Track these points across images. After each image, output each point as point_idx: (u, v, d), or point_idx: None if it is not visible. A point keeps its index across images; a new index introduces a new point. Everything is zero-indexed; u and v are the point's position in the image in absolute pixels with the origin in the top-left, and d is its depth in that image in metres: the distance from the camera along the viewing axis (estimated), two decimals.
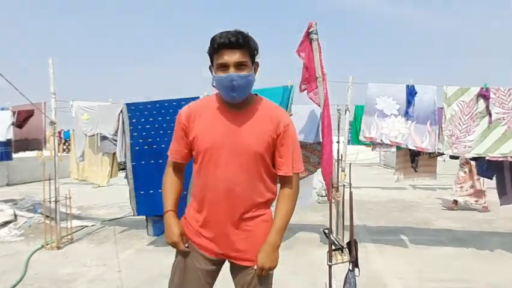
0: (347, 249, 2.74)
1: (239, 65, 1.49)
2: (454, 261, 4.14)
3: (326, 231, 2.71)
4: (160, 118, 4.49)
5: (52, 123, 4.84)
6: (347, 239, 2.84)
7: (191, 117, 1.61)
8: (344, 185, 3.81)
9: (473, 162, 6.62)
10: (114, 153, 5.05)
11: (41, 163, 5.19)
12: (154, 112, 4.54)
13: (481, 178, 6.60)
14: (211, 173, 1.57)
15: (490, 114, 4.11)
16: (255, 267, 1.57)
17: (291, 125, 1.63)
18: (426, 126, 4.25)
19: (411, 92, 4.29)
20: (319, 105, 3.72)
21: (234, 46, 1.47)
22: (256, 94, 1.66)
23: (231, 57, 1.47)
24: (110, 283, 3.59)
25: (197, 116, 1.61)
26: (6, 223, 5.60)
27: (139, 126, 4.61)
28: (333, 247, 2.70)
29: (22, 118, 5.55)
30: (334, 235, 3.12)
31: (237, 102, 1.55)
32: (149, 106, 4.62)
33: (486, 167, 4.88)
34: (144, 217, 4.77)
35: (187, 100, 4.10)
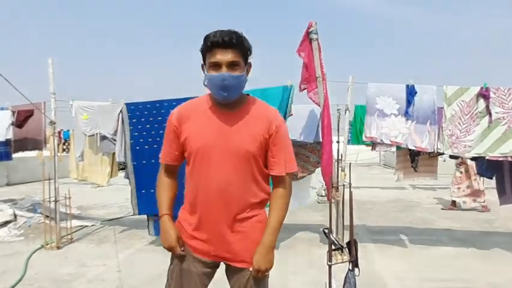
0: (346, 249, 2.74)
1: (232, 65, 1.47)
2: (453, 261, 4.14)
3: (326, 231, 2.71)
4: (160, 118, 4.48)
5: (52, 123, 4.83)
6: (346, 239, 2.83)
7: (182, 118, 1.60)
8: (343, 185, 3.80)
9: (469, 162, 6.63)
10: (114, 153, 5.05)
11: (41, 163, 5.19)
12: (154, 112, 4.54)
13: (478, 178, 6.60)
14: (204, 174, 1.55)
15: (490, 114, 4.11)
16: (251, 269, 1.56)
17: (283, 124, 1.62)
18: (426, 126, 4.25)
19: (411, 92, 4.29)
20: (319, 105, 3.72)
21: (227, 45, 1.45)
22: (248, 94, 1.64)
23: (224, 56, 1.46)
24: (110, 283, 3.59)
25: (188, 117, 1.59)
26: (6, 223, 5.60)
27: (139, 126, 4.61)
28: (333, 247, 2.69)
29: (22, 118, 5.55)
30: (334, 235, 3.12)
31: (229, 102, 1.54)
32: (148, 106, 4.62)
33: (486, 166, 4.88)
34: (144, 217, 4.77)
35: (187, 100, 4.09)
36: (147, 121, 4.58)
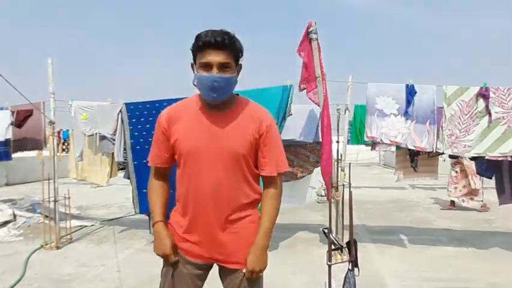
0: (346, 249, 2.74)
1: (223, 66, 1.45)
2: (453, 261, 4.14)
3: (326, 230, 2.71)
4: None
5: (51, 123, 4.83)
6: (346, 239, 2.83)
7: (171, 119, 1.57)
8: (343, 185, 3.80)
9: (465, 162, 6.64)
10: (113, 153, 5.05)
11: (41, 163, 5.18)
12: (154, 112, 4.55)
13: (473, 177, 6.61)
14: (195, 176, 1.54)
15: (489, 114, 4.11)
16: (244, 270, 1.55)
17: (273, 124, 1.60)
18: (425, 126, 4.25)
19: (410, 92, 4.29)
20: (318, 105, 3.71)
21: (219, 46, 1.43)
22: (238, 94, 1.62)
23: (215, 57, 1.44)
24: (109, 283, 3.58)
25: (178, 118, 1.57)
26: (5, 223, 5.59)
27: (139, 126, 4.62)
28: (333, 247, 2.69)
29: (21, 118, 5.54)
30: (334, 235, 3.11)
31: (218, 103, 1.52)
32: (148, 106, 4.62)
33: (485, 166, 4.88)
34: (144, 217, 4.78)
35: None
36: (147, 121, 4.58)
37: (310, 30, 3.35)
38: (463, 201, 6.88)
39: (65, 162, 6.76)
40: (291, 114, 4.26)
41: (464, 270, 3.85)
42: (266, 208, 1.59)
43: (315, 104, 3.79)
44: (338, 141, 4.24)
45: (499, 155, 4.11)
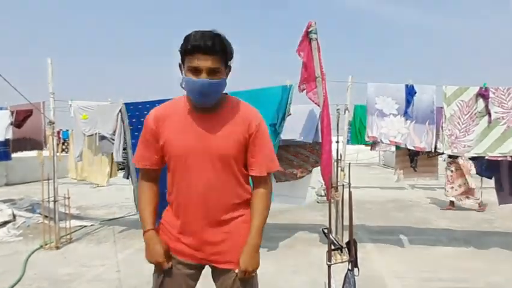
0: (346, 249, 2.74)
1: (212, 71, 1.41)
2: (453, 261, 4.14)
3: (326, 231, 2.71)
4: None
5: (51, 123, 4.83)
6: (346, 239, 2.83)
7: (159, 120, 1.54)
8: (343, 185, 3.80)
9: (461, 161, 6.64)
10: (113, 153, 5.05)
11: (40, 163, 5.18)
12: None
13: (469, 176, 6.61)
14: (185, 178, 1.53)
15: (489, 114, 4.11)
16: (237, 270, 1.54)
17: (263, 124, 1.59)
18: (425, 126, 4.26)
19: (410, 92, 4.29)
20: (318, 105, 3.71)
21: (209, 51, 1.39)
22: (226, 94, 1.59)
23: (204, 62, 1.40)
24: (109, 283, 3.58)
25: (166, 119, 1.54)
26: (5, 223, 5.59)
27: (139, 126, 4.62)
28: (333, 247, 2.69)
29: (21, 118, 5.53)
30: (333, 235, 3.11)
31: (207, 106, 1.50)
32: (148, 106, 4.62)
33: (485, 166, 4.88)
34: None
35: None
36: None
37: (310, 30, 3.35)
38: (460, 200, 6.89)
39: (65, 162, 6.76)
40: (290, 114, 4.25)
41: (464, 270, 3.85)
42: (257, 207, 1.59)
43: (315, 104, 3.79)
44: (337, 141, 4.24)
45: (499, 155, 4.11)
